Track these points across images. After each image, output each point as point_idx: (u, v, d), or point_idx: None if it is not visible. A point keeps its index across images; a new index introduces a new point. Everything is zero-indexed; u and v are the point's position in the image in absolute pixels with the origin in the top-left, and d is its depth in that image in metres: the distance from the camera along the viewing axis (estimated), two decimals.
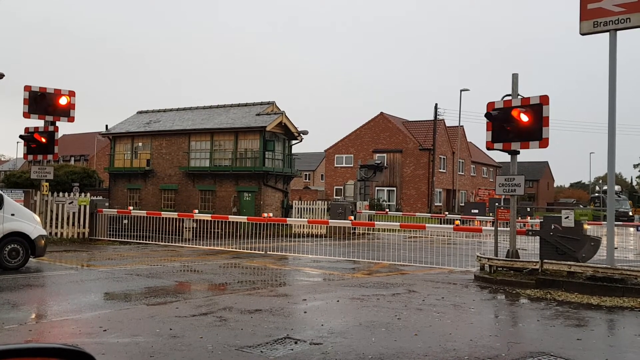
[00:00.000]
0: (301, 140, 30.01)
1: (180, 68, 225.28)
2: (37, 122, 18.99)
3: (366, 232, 26.30)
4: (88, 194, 22.38)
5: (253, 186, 27.80)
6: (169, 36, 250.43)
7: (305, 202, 30.00)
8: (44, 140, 18.73)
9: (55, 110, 18.59)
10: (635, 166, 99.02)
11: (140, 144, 31.36)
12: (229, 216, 21.27)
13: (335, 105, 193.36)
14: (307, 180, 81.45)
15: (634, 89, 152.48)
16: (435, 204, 47.86)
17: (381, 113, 52.17)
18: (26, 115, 18.38)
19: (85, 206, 20.64)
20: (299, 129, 29.39)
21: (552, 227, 12.30)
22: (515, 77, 12.83)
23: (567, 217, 12.13)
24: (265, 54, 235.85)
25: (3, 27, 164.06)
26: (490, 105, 12.82)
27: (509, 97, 12.69)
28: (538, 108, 12.14)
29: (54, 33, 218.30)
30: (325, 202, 29.75)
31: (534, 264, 12.06)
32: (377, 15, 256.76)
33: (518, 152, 12.75)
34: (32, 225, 13.06)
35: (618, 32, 11.12)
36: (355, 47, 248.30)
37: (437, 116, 47.06)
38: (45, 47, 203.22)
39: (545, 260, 11.88)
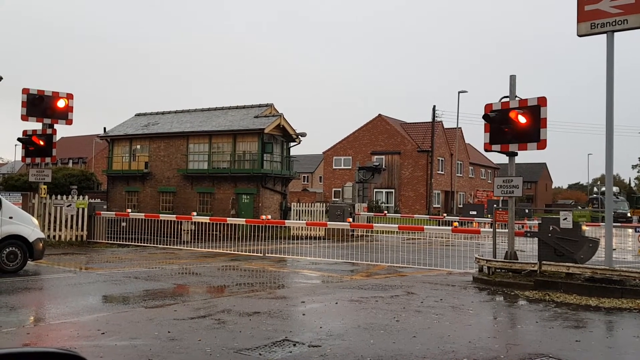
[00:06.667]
0: (299, 143, 30.04)
1: (179, 69, 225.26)
2: (35, 125, 18.97)
3: (365, 234, 26.28)
4: (86, 197, 22.37)
5: (251, 188, 27.79)
6: (167, 36, 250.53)
7: (304, 204, 29.97)
8: (42, 143, 18.71)
9: (53, 113, 18.57)
10: (633, 167, 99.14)
11: (138, 146, 31.34)
12: (227, 218, 21.24)
13: (333, 107, 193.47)
14: (306, 183, 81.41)
15: (631, 91, 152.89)
16: (434, 206, 47.87)
17: (379, 115, 52.20)
18: (24, 118, 18.36)
19: (83, 209, 20.61)
20: (297, 131, 29.41)
21: (551, 228, 12.30)
22: (512, 78, 12.83)
23: (566, 219, 12.13)
24: (264, 55, 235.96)
25: (2, 27, 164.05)
26: (488, 107, 12.83)
27: (507, 99, 12.69)
28: (536, 109, 12.14)
29: (53, 34, 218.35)
30: (324, 204, 29.73)
31: (533, 265, 12.06)
32: (375, 14, 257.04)
33: (516, 154, 12.75)
34: (30, 228, 13.04)
35: (615, 33, 11.13)
36: (353, 48, 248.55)
37: (435, 118, 47.14)
38: (43, 48, 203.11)
39: (544, 262, 11.88)
